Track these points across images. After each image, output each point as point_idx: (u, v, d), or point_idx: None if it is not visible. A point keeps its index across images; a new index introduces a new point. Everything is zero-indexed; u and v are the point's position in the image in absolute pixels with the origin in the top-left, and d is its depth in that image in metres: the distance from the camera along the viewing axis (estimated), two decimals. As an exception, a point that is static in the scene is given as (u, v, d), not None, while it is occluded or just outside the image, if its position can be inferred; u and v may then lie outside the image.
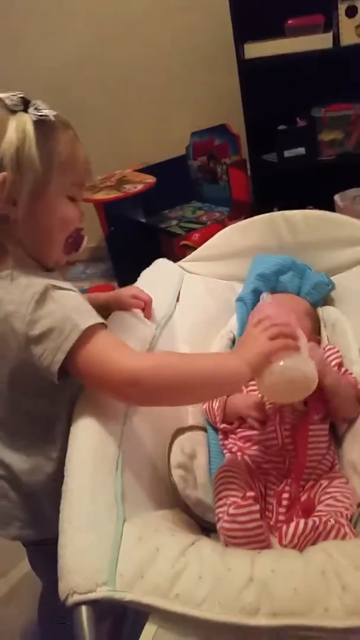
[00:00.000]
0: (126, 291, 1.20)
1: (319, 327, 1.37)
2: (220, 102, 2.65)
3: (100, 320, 0.86)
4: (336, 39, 2.27)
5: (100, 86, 2.78)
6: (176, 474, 1.02)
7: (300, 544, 0.86)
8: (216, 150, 2.70)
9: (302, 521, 0.87)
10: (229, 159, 2.66)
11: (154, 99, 2.77)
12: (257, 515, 0.88)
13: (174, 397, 0.90)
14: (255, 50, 2.37)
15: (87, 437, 0.89)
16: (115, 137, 2.82)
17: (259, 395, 1.11)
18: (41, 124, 0.83)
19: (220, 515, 0.94)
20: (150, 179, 2.55)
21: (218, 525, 0.93)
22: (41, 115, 0.83)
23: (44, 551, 0.88)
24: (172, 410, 1.15)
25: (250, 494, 0.90)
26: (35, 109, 0.84)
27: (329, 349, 1.23)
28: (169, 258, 1.58)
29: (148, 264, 1.52)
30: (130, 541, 0.78)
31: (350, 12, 2.23)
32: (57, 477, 0.85)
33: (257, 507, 0.88)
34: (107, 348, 0.84)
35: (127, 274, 1.55)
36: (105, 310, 1.12)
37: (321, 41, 2.30)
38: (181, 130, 2.69)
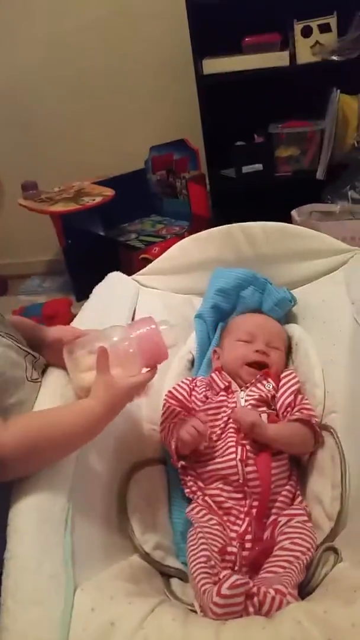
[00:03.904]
0: (57, 332, 0.99)
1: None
2: (179, 116, 2.49)
3: None
4: (292, 57, 2.18)
5: (57, 95, 2.57)
6: (133, 518, 0.90)
7: None
8: (175, 164, 2.55)
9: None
10: (188, 174, 2.51)
11: (113, 111, 2.59)
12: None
13: (44, 459, 0.78)
14: (214, 66, 2.25)
15: (30, 495, 0.74)
16: (73, 148, 2.62)
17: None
18: None
19: (205, 588, 0.77)
20: (109, 192, 2.38)
21: (203, 600, 0.77)
22: None
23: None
24: (130, 442, 1.00)
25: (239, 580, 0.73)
26: None
27: (286, 376, 1.09)
28: (129, 271, 1.43)
29: None
30: (82, 614, 0.66)
31: (306, 31, 2.15)
32: None
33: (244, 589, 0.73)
34: None
35: (85, 287, 1.41)
36: (40, 346, 0.96)
37: (278, 59, 2.19)
38: (140, 144, 2.52)
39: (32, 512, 0.72)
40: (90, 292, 1.31)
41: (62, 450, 0.78)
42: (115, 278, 1.36)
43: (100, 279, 1.38)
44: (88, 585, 0.70)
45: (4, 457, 0.71)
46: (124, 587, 0.74)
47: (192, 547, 0.86)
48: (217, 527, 0.89)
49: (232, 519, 0.91)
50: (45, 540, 0.70)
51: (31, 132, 2.62)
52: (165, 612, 0.70)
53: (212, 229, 1.41)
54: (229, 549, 0.85)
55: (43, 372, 0.94)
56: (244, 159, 2.32)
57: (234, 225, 1.39)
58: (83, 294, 2.02)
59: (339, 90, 2.19)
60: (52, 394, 0.87)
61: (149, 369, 0.88)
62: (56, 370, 0.93)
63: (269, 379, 1.08)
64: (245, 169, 2.33)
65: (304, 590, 0.82)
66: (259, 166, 2.32)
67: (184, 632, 0.66)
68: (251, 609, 0.71)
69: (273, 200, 2.22)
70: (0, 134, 2.63)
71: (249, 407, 1.02)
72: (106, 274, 1.39)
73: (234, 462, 0.94)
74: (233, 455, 0.95)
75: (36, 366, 0.90)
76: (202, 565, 0.81)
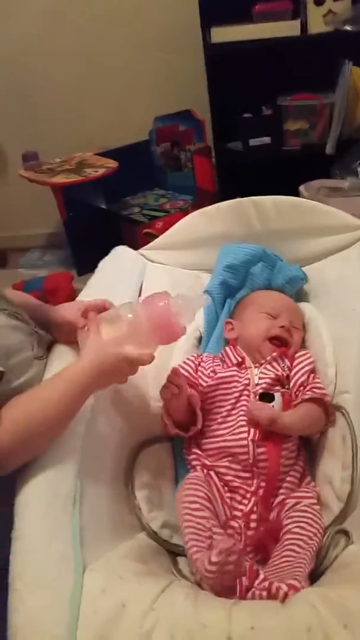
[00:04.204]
0: (68, 310, 0.95)
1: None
2: (185, 86, 2.42)
3: None
4: (304, 26, 2.10)
5: (60, 64, 2.48)
6: (140, 495, 0.89)
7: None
8: (180, 136, 2.48)
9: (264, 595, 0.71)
10: (193, 146, 2.45)
11: (117, 80, 2.50)
12: (238, 556, 0.73)
13: (42, 442, 0.76)
14: (222, 34, 2.17)
15: (38, 472, 0.73)
16: (75, 118, 2.54)
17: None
18: None
19: (195, 557, 0.76)
20: (113, 164, 2.32)
21: (194, 568, 0.77)
22: None
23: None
24: (138, 420, 0.98)
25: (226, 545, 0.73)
26: None
27: (301, 355, 1.06)
28: (131, 246, 1.38)
29: (108, 252, 1.33)
30: (92, 594, 0.65)
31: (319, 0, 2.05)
32: None
33: (238, 547, 0.74)
34: None
35: (87, 261, 1.38)
36: (48, 325, 0.94)
37: (289, 28, 2.12)
38: (144, 114, 2.45)
39: (40, 490, 0.70)
40: (92, 266, 1.27)
41: (58, 426, 0.77)
42: (121, 252, 1.32)
43: (102, 253, 1.33)
44: (97, 565, 0.69)
45: (2, 453, 0.70)
46: (133, 567, 0.73)
47: (189, 499, 0.83)
48: (216, 498, 0.87)
49: (238, 497, 0.89)
50: (54, 519, 0.69)
51: (32, 101, 2.54)
52: (177, 593, 0.68)
53: (221, 202, 1.36)
54: (232, 522, 0.83)
55: (48, 348, 0.91)
56: (251, 132, 2.26)
57: (245, 199, 1.35)
58: (84, 268, 1.98)
59: (351, 62, 2.12)
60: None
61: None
62: (62, 347, 0.90)
63: (285, 358, 1.05)
64: (253, 142, 2.27)
65: (315, 572, 0.80)
66: (266, 139, 2.26)
67: (195, 613, 0.65)
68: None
69: (280, 174, 2.16)
70: (1, 103, 2.56)
71: (264, 384, 1.00)
72: (108, 248, 1.34)
73: (245, 442, 0.92)
74: (245, 435, 0.92)
75: (41, 344, 0.88)
76: (195, 525, 0.79)
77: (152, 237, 1.49)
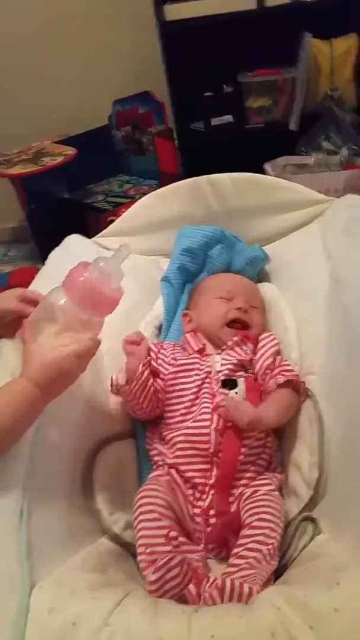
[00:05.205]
0: (5, 300, 0.89)
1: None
2: (142, 67, 2.33)
3: None
4: (260, -1, 2.01)
5: (10, 47, 2.36)
6: (101, 498, 0.83)
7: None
8: (141, 119, 2.40)
9: (215, 594, 0.68)
10: (154, 128, 2.37)
11: (72, 64, 2.39)
12: (179, 568, 0.70)
13: None
14: (176, 11, 2.08)
15: None
16: (30, 105, 2.43)
17: None
18: None
19: (144, 573, 0.72)
20: (71, 151, 2.22)
21: (143, 573, 0.73)
22: None
23: None
24: (96, 416, 0.91)
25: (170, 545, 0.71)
26: None
27: (265, 337, 1.01)
28: (96, 235, 1.31)
29: None
30: (39, 616, 0.60)
31: (274, -30, 1.99)
32: None
33: (177, 559, 0.70)
34: None
35: None
36: None
37: (245, 2, 2.03)
38: (103, 98, 2.35)
39: None
40: None
41: (2, 446, 0.69)
42: (73, 241, 1.25)
43: None
44: (47, 581, 0.63)
45: None
46: (87, 580, 0.67)
47: (144, 510, 0.77)
48: (178, 499, 0.82)
49: (197, 494, 0.84)
50: None
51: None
52: (133, 605, 0.63)
53: (176, 183, 1.30)
54: (196, 519, 0.78)
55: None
56: (213, 111, 2.19)
57: (201, 177, 1.29)
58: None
59: (310, 35, 2.05)
60: (2, 379, 0.78)
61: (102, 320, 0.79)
62: (3, 348, 0.84)
63: (248, 342, 1.00)
64: (215, 121, 2.20)
65: (280, 563, 0.76)
66: (229, 117, 2.20)
67: (152, 625, 0.60)
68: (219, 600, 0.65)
69: (245, 153, 2.09)
70: None
71: (226, 371, 0.94)
72: None
73: (207, 430, 0.86)
74: (207, 423, 0.87)
75: None
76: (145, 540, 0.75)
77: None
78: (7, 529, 0.65)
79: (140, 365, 0.92)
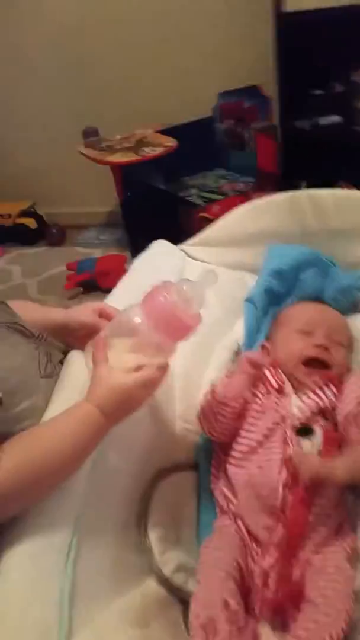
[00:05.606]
0: (83, 312, 0.88)
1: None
2: (251, 60, 2.23)
3: None
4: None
5: (118, 38, 2.37)
6: (154, 536, 0.78)
7: None
8: (245, 113, 2.31)
9: None
10: (258, 124, 2.28)
11: (178, 53, 2.35)
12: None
13: (42, 488, 0.67)
14: (298, 1, 1.96)
15: (29, 518, 0.66)
16: (135, 93, 2.43)
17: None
18: None
19: (194, 624, 0.68)
20: (171, 142, 2.20)
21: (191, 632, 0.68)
22: None
23: None
24: (159, 444, 0.87)
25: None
26: None
27: (352, 382, 0.89)
28: (187, 230, 1.32)
29: (164, 234, 1.27)
30: None
31: None
32: None
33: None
34: None
35: (142, 243, 1.31)
36: (62, 332, 0.86)
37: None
38: (207, 90, 2.30)
39: (28, 542, 0.62)
40: (147, 247, 1.22)
41: (62, 474, 0.68)
42: (159, 248, 1.22)
43: (157, 235, 1.26)
44: (84, 634, 0.60)
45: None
46: (127, 634, 0.64)
47: (209, 565, 0.73)
48: (244, 552, 0.77)
49: (259, 549, 0.77)
50: (38, 578, 0.61)
51: (87, 76, 2.46)
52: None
53: (273, 195, 1.23)
54: (252, 582, 0.74)
55: (61, 361, 0.84)
56: (320, 110, 2.08)
57: (300, 192, 1.20)
58: (139, 250, 1.91)
59: None
60: (70, 393, 0.77)
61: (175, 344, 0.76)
62: (76, 362, 0.82)
63: (331, 385, 0.89)
64: (322, 120, 2.08)
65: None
66: (337, 118, 2.08)
67: None
68: None
69: (352, 158, 1.98)
70: (61, 79, 2.49)
71: (302, 416, 0.85)
72: (163, 231, 1.25)
73: (275, 485, 0.78)
74: (276, 476, 0.79)
75: (52, 358, 0.81)
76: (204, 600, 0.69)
77: (208, 221, 1.39)
78: (51, 571, 0.63)
79: (244, 391, 0.88)
